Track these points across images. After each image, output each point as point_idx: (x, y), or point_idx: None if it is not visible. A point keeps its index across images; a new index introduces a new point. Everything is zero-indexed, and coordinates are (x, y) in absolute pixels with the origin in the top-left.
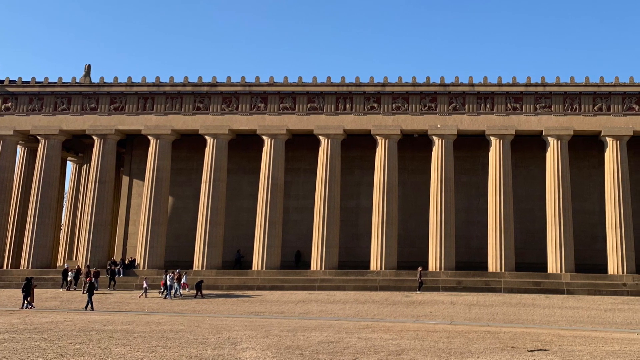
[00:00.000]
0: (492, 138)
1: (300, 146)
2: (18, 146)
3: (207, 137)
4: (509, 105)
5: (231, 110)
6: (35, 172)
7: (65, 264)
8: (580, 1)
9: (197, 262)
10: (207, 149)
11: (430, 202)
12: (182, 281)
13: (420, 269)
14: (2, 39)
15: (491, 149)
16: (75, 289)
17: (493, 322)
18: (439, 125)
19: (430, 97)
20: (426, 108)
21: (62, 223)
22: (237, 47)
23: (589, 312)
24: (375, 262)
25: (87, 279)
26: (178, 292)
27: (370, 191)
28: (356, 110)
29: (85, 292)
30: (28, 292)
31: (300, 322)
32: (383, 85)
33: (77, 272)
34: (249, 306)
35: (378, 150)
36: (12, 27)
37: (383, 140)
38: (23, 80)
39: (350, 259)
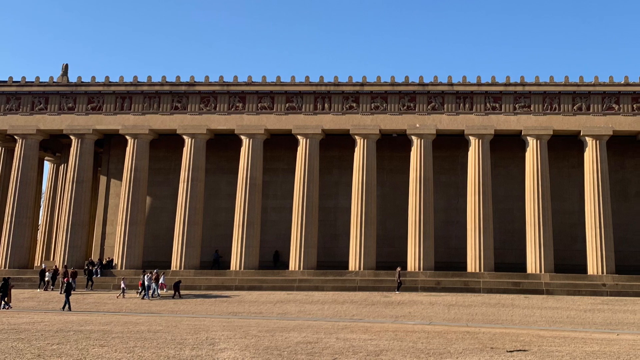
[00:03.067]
0: (471, 138)
1: (278, 146)
2: None
3: (185, 137)
4: (488, 104)
5: (209, 110)
6: (12, 172)
7: (43, 264)
8: (560, 0)
9: (175, 262)
10: (185, 149)
11: (409, 202)
12: (160, 281)
13: (399, 269)
14: None
15: (470, 148)
16: (52, 289)
17: (472, 322)
18: (417, 125)
19: (409, 97)
20: (405, 108)
21: (39, 223)
22: (216, 47)
23: (568, 313)
24: (353, 262)
25: (65, 279)
26: (156, 293)
27: (349, 191)
28: (335, 110)
29: (62, 292)
30: (5, 293)
31: (278, 322)
32: (362, 84)
33: (55, 273)
34: (227, 306)
35: (357, 150)
36: None
37: (362, 140)
38: (0, 79)
39: (328, 259)
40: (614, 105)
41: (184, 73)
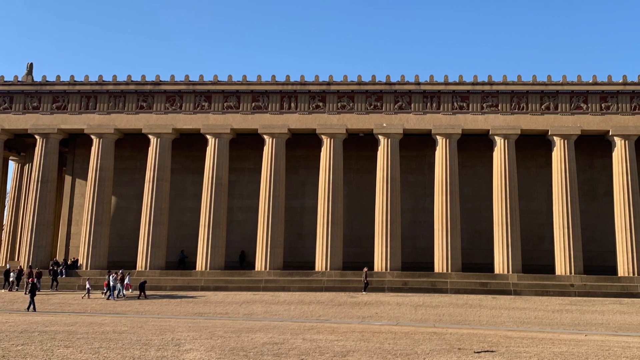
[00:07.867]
0: (438, 137)
1: (244, 145)
2: None
3: (150, 136)
4: (455, 104)
5: (175, 109)
6: None
7: (7, 265)
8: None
9: (141, 262)
10: (150, 148)
11: (376, 202)
12: (125, 282)
13: (365, 269)
14: None
15: (437, 148)
16: (17, 290)
17: (439, 323)
18: (384, 125)
19: (376, 96)
20: (372, 107)
21: (4, 223)
22: (181, 46)
23: (536, 313)
24: (320, 263)
25: (29, 280)
26: (121, 293)
27: (316, 191)
28: (301, 109)
29: (27, 292)
30: None
31: (244, 323)
32: (328, 84)
33: (19, 273)
34: (193, 307)
35: (323, 149)
36: None
37: (328, 139)
38: None
39: (295, 260)
40: (582, 105)
41: (150, 72)
